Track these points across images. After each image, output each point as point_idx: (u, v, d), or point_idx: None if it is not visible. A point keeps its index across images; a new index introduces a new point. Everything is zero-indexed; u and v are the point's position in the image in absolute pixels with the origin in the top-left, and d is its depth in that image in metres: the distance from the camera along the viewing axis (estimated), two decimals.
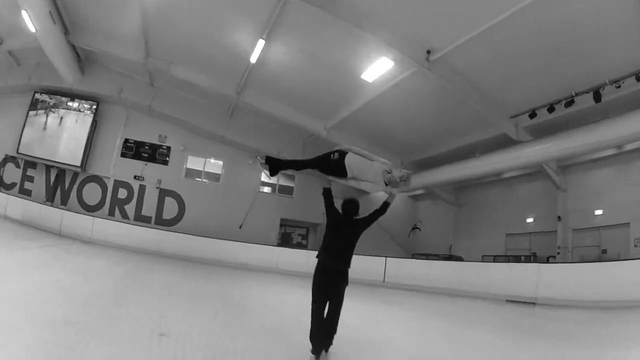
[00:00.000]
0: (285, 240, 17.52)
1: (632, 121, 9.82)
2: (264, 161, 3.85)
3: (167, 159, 15.92)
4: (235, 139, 16.00)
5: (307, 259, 11.95)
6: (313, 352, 3.47)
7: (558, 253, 12.78)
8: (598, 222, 12.51)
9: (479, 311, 8.06)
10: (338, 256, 3.57)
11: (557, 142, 10.96)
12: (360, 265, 11.67)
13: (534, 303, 8.20)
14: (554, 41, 8.75)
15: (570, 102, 10.10)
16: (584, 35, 8.46)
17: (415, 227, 17.29)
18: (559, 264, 10.88)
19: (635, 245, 11.09)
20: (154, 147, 15.79)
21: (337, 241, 3.64)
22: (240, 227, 15.37)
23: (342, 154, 3.72)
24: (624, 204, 11.84)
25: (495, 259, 13.46)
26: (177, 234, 13.65)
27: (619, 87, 9.35)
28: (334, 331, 3.54)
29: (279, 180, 17.28)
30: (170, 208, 15.66)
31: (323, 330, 3.47)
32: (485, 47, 9.15)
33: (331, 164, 3.73)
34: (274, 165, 3.91)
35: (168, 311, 4.87)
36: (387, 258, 11.95)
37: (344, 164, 3.67)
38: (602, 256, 11.68)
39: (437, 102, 11.64)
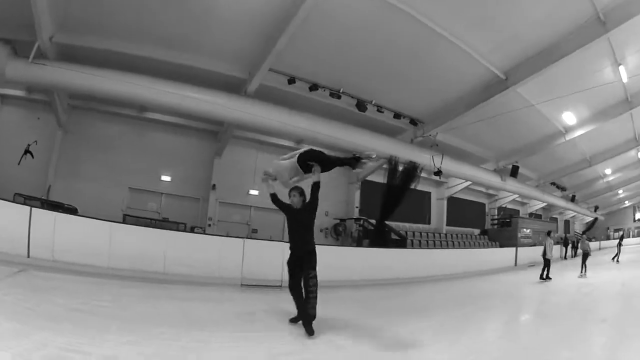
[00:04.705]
0: None
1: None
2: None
3: None
4: None
5: None
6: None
7: (209, 225, 12.53)
8: (250, 202, 13.40)
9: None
10: (299, 240, 4.38)
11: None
12: None
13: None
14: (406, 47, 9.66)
15: (336, 95, 11.01)
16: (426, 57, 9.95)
17: (28, 151, 11.20)
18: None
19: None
20: None
21: (295, 228, 4.40)
22: None
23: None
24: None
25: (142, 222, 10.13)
26: None
27: (381, 112, 11.90)
28: (310, 302, 4.18)
29: None
30: None
31: (302, 299, 4.24)
32: None
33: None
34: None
35: None
36: (33, 209, 6.26)
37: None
38: (254, 235, 12.46)
39: None
